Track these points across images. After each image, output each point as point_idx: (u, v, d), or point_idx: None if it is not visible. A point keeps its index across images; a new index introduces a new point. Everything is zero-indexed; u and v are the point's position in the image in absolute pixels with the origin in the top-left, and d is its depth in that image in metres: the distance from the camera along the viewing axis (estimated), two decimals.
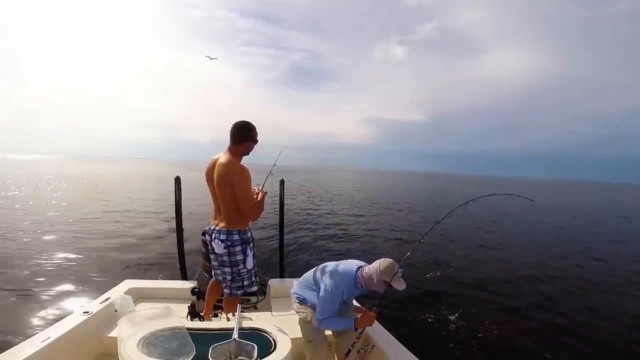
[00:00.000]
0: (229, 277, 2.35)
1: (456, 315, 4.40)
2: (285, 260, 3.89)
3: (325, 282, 2.07)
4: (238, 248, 2.29)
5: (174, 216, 3.40)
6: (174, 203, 3.34)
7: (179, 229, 3.42)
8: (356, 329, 2.07)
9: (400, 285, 2.00)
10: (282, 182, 3.35)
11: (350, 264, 2.17)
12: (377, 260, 2.10)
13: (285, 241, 3.90)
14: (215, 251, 2.30)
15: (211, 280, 2.64)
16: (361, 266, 2.14)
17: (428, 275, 5.90)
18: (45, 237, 7.54)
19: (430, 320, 4.30)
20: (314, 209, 14.23)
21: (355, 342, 2.08)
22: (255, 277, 2.46)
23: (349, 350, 2.06)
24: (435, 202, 20.62)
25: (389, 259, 2.08)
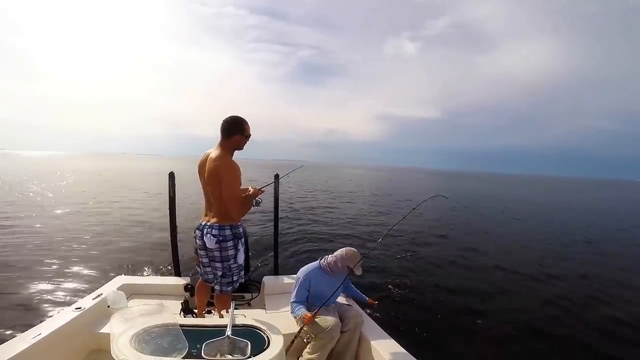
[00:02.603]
0: (219, 273, 2.35)
1: (446, 306, 4.47)
2: (279, 257, 3.89)
3: (298, 276, 2.54)
4: (230, 243, 2.28)
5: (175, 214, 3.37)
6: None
7: (173, 225, 3.40)
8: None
9: (359, 271, 2.43)
10: (276, 176, 3.31)
11: (315, 261, 2.61)
12: (342, 249, 2.50)
13: (280, 238, 3.89)
14: (207, 246, 2.29)
15: (198, 282, 2.63)
16: (324, 257, 2.56)
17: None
18: (40, 232, 7.45)
19: (417, 312, 4.37)
20: (313, 206, 14.19)
21: (301, 331, 2.32)
22: (242, 272, 2.47)
23: (294, 339, 2.33)
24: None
25: (353, 249, 2.49)
